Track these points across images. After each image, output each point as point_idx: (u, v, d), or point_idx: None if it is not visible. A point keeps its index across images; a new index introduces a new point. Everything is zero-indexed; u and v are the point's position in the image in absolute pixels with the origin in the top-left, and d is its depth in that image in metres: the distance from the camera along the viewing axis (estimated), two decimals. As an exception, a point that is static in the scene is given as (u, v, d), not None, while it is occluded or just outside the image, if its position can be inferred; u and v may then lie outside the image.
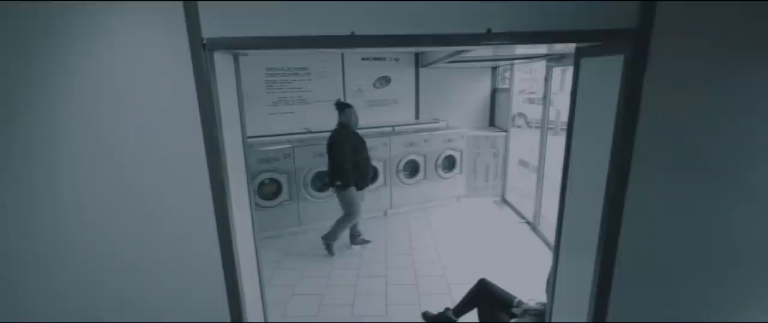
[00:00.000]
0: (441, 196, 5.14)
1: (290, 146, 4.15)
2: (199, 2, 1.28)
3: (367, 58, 5.01)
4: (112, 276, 1.57)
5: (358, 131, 3.69)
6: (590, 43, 1.48)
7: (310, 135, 4.47)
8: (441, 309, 2.67)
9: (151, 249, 1.54)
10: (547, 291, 2.00)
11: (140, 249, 1.54)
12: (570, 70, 1.78)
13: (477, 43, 1.37)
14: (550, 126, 4.16)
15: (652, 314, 1.55)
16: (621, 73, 1.34)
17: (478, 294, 2.48)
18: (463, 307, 2.56)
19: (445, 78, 5.45)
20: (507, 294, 2.36)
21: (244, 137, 1.74)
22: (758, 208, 1.41)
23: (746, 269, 1.48)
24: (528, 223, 4.50)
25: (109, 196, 1.47)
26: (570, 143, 1.70)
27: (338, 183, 3.52)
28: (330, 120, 4.91)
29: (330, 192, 4.34)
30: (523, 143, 6.25)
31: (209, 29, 1.30)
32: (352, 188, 3.57)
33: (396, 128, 4.89)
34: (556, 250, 1.85)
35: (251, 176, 1.77)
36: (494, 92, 5.75)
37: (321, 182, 4.31)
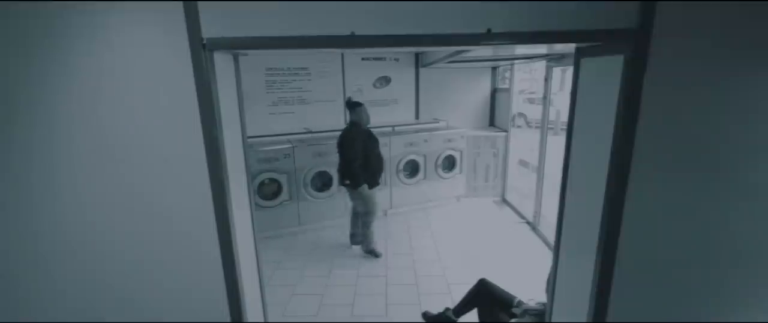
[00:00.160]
0: (441, 196, 5.14)
1: (290, 146, 4.15)
2: (199, 2, 1.28)
3: (367, 58, 5.01)
4: (112, 276, 1.57)
5: (370, 128, 3.68)
6: (590, 43, 1.48)
7: (310, 135, 4.47)
8: (441, 309, 2.67)
9: (151, 248, 1.54)
10: (547, 291, 2.00)
11: (140, 248, 1.54)
12: (570, 70, 1.78)
13: (477, 43, 1.37)
14: (550, 126, 4.16)
15: (652, 314, 1.55)
16: (621, 73, 1.34)
17: (478, 293, 2.48)
18: (463, 307, 2.56)
19: (445, 78, 5.45)
20: (507, 293, 2.36)
21: (244, 137, 1.74)
22: (758, 208, 1.41)
23: (746, 269, 1.48)
24: (528, 223, 4.50)
25: (109, 196, 1.47)
26: (570, 143, 1.70)
27: (347, 182, 3.51)
28: (330, 120, 4.93)
29: (330, 193, 4.35)
30: (523, 143, 6.25)
31: (209, 29, 1.30)
32: (364, 186, 3.54)
33: (396, 128, 4.89)
34: (556, 250, 1.85)
35: (251, 176, 1.77)
36: (494, 92, 5.75)
37: (321, 181, 4.31)
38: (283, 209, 4.18)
